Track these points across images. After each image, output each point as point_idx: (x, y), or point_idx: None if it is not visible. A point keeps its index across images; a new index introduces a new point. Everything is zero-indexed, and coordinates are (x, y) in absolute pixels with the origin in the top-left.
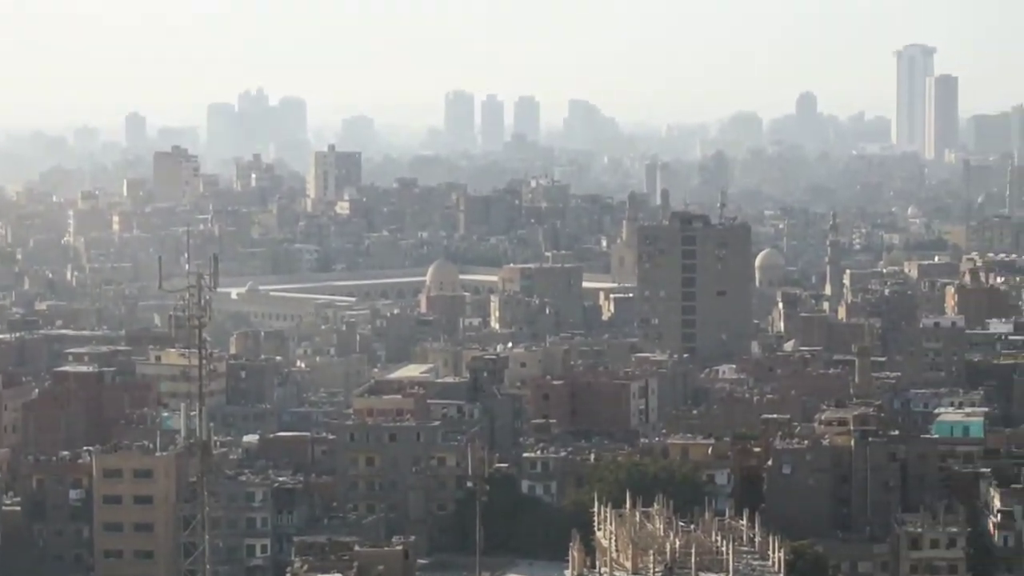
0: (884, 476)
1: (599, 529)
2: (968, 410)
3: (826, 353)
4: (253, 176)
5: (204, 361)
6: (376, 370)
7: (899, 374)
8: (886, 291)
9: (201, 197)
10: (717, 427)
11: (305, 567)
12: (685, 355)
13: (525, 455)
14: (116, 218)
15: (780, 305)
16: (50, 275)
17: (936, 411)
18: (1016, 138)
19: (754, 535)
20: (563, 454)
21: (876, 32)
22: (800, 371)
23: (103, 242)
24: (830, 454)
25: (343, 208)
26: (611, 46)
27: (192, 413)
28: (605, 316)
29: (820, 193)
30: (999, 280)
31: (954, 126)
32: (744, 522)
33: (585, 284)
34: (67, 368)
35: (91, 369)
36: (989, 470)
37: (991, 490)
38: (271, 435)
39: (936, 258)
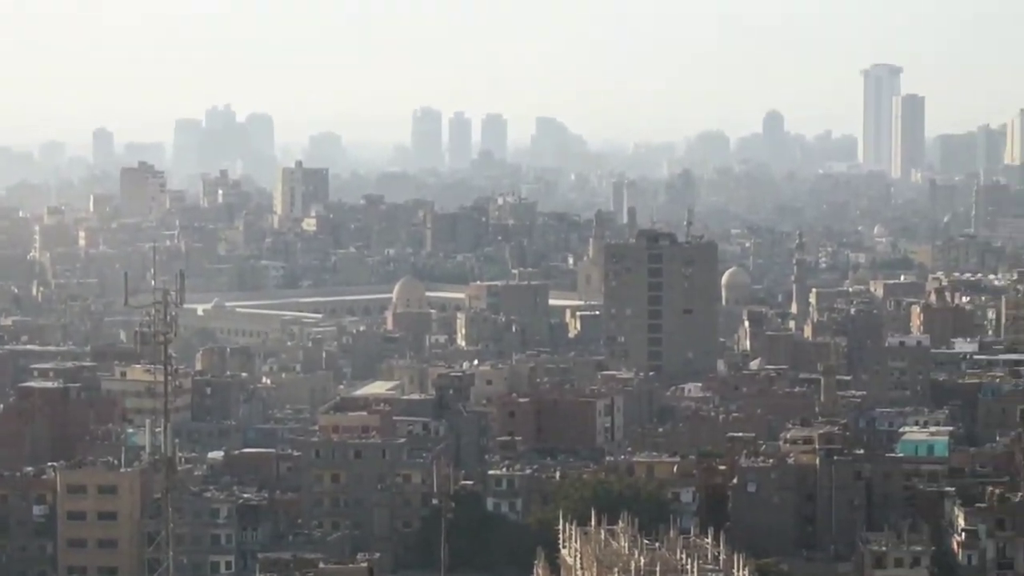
0: (849, 495)
1: (564, 546)
2: (933, 429)
3: (792, 372)
4: (220, 192)
5: (169, 377)
6: (342, 387)
7: (864, 393)
8: (852, 310)
9: (168, 213)
10: (682, 445)
11: None
12: (651, 373)
13: (490, 472)
14: (82, 233)
15: (746, 323)
16: (15, 290)
17: (901, 430)
18: (982, 158)
19: (719, 553)
20: (528, 471)
21: (843, 51)
22: (766, 389)
23: (69, 257)
24: (795, 472)
25: (310, 225)
26: (578, 64)
27: (157, 429)
28: (571, 333)
29: (786, 212)
30: (964, 299)
31: (920, 145)
32: (709, 540)
33: (551, 301)
34: (32, 384)
35: (56, 385)
36: (953, 489)
37: (955, 509)
38: (236, 451)
39: (902, 277)
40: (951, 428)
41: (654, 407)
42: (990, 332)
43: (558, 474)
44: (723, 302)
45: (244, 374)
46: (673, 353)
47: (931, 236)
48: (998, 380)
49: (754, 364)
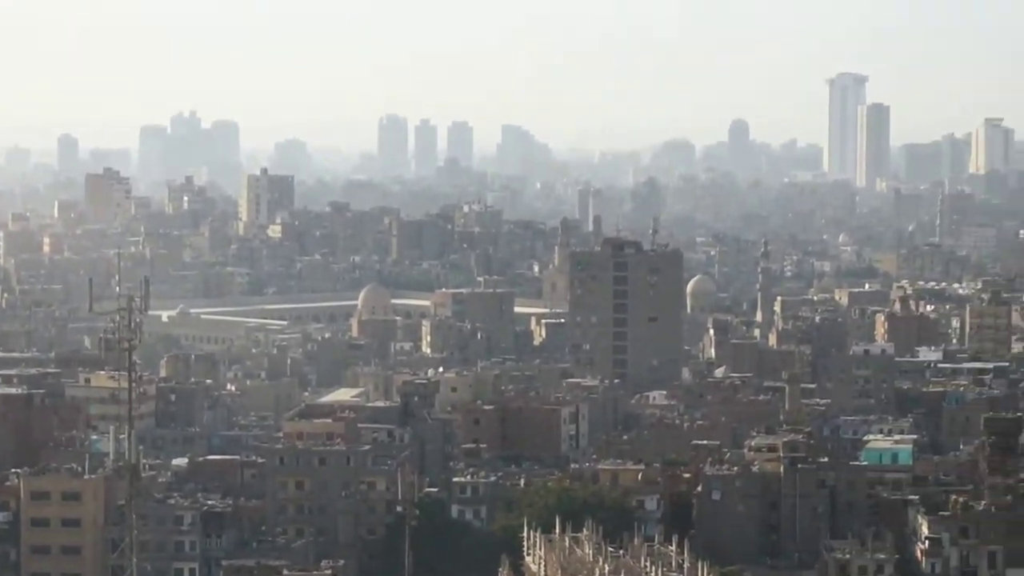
0: (813, 503)
1: (528, 554)
2: (897, 437)
3: (756, 380)
4: (185, 199)
5: (134, 384)
6: (307, 394)
7: (829, 401)
8: (817, 318)
9: (133, 219)
10: (647, 453)
11: None
12: (616, 381)
13: (455, 480)
14: (47, 240)
15: (711, 331)
16: None
17: (865, 438)
18: (947, 167)
19: (683, 561)
20: (493, 479)
21: (808, 61)
22: (730, 397)
23: (33, 264)
24: (759, 480)
25: (275, 232)
26: (544, 72)
27: (121, 436)
28: (537, 341)
29: (752, 220)
30: (929, 308)
31: (885, 155)
32: (673, 548)
33: (517, 309)
34: None
35: (20, 391)
36: (917, 497)
37: (919, 517)
38: (200, 458)
39: (867, 286)
40: (915, 436)
41: (619, 415)
42: (954, 341)
43: (523, 481)
44: (688, 310)
45: (209, 381)
46: (638, 361)
47: (896, 245)
48: (962, 388)
49: (719, 372)
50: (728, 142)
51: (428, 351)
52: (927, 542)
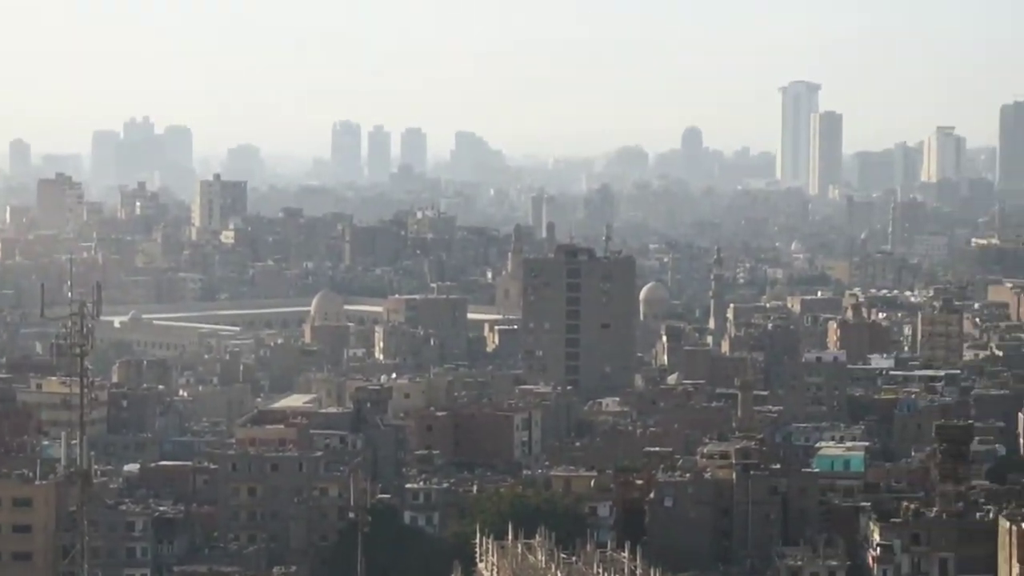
0: (765, 509)
1: (481, 560)
2: (849, 444)
3: (709, 387)
4: (138, 204)
5: (86, 390)
6: (259, 400)
7: (781, 408)
8: (769, 325)
9: (85, 225)
10: (600, 459)
11: None
12: (569, 387)
13: (408, 486)
14: None
15: (664, 338)
16: None
17: (817, 445)
18: (899, 175)
19: (636, 567)
20: (446, 485)
21: (761, 69)
22: (683, 404)
23: None
24: (712, 487)
25: (228, 237)
26: (499, 79)
27: (73, 442)
28: (489, 348)
29: (705, 227)
30: (881, 316)
31: (838, 162)
32: (626, 554)
33: (470, 315)
34: None
35: None
36: (869, 504)
37: (871, 524)
38: (152, 464)
39: (819, 293)
40: (867, 443)
41: (572, 421)
42: (906, 348)
43: (475, 488)
44: (641, 317)
45: (161, 387)
46: (591, 368)
47: (848, 252)
48: (914, 396)
49: (671, 379)
50: (681, 149)
51: (381, 357)
52: (879, 549)
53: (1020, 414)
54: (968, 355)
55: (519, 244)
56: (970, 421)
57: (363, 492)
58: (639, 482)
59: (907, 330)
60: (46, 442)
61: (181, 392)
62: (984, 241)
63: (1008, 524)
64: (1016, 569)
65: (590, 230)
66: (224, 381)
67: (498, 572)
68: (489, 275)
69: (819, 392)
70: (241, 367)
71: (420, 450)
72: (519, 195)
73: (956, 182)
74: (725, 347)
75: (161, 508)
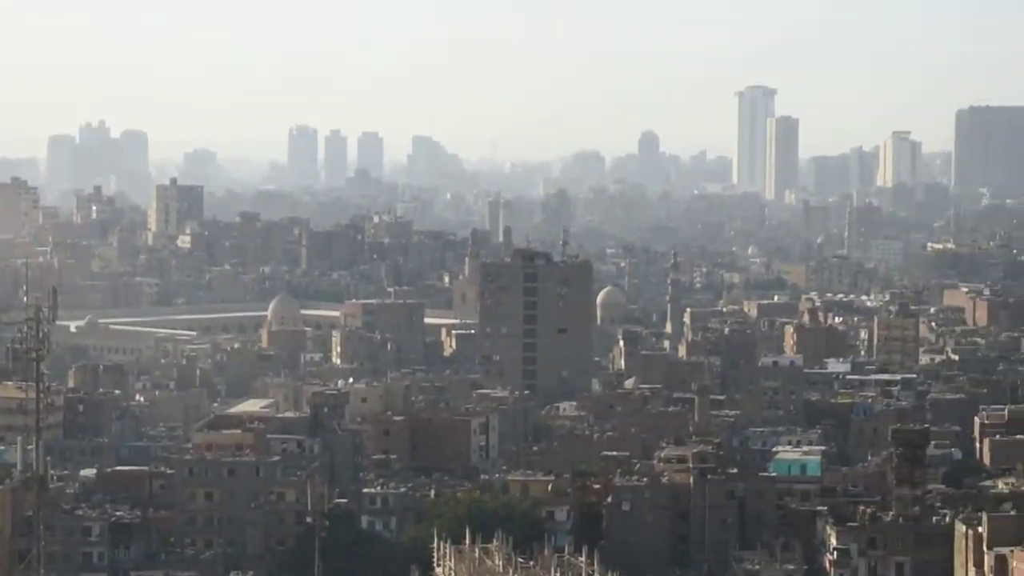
0: (722, 513)
1: (438, 565)
2: (805, 448)
3: (666, 391)
4: (94, 208)
5: (42, 394)
6: (216, 405)
7: (738, 412)
8: (726, 330)
9: (41, 229)
10: (557, 464)
11: None
12: (526, 392)
13: (365, 491)
14: None
15: (621, 343)
16: None
17: (774, 449)
18: (855, 179)
19: (593, 572)
20: (403, 490)
21: (717, 73)
22: (640, 409)
23: None
24: (669, 491)
25: (184, 242)
26: (455, 83)
27: (29, 447)
28: (447, 352)
29: (662, 232)
30: (837, 320)
31: (794, 167)
32: (583, 559)
33: (427, 320)
34: None
35: None
36: (826, 508)
37: (827, 528)
38: (109, 469)
39: (775, 298)
40: (823, 447)
41: (529, 426)
42: (862, 352)
43: (433, 492)
44: (598, 321)
45: (117, 391)
46: (548, 372)
47: (804, 257)
48: (870, 400)
49: (629, 383)
50: (638, 154)
51: (338, 362)
52: (835, 553)
53: (976, 418)
54: (924, 359)
55: (476, 248)
56: (926, 425)
57: (320, 497)
58: (596, 486)
59: (863, 334)
60: (2, 447)
61: (137, 397)
62: (940, 246)
63: (964, 528)
64: (972, 573)
65: (547, 234)
66: (181, 386)
67: None
68: (446, 279)
69: (776, 396)
70: (198, 372)
71: (377, 455)
72: (476, 199)
73: (912, 187)
74: (682, 351)
75: (118, 513)
